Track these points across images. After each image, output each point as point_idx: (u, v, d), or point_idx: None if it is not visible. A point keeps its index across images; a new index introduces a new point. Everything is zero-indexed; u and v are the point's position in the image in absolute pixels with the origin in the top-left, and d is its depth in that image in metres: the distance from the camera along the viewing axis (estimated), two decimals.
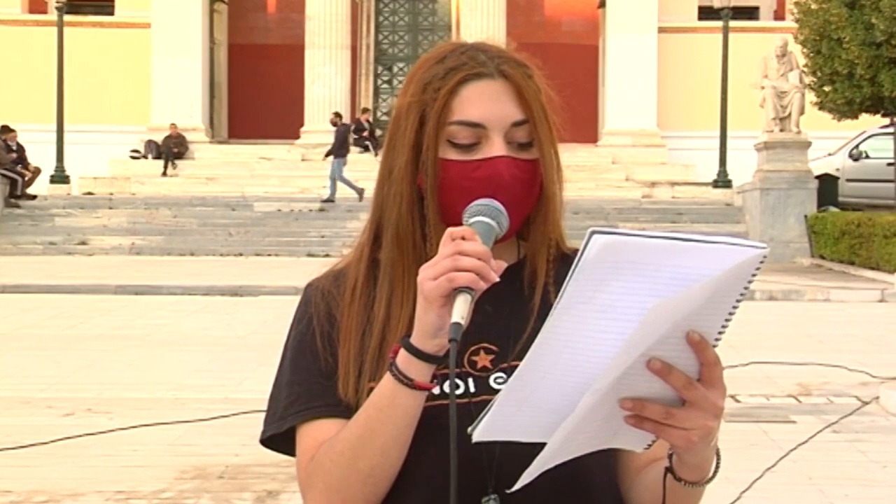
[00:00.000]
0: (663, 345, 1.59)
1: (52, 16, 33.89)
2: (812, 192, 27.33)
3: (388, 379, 1.75)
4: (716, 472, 1.78)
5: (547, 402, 1.64)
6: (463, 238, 1.69)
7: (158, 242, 28.16)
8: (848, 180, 30.22)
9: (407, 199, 1.89)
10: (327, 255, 26.08)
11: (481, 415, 1.65)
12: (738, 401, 10.28)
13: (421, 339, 1.72)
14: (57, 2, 32.72)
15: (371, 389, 1.82)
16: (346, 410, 1.85)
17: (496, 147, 1.84)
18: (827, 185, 28.16)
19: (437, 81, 1.86)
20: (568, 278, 1.56)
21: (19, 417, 9.53)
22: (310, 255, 26.93)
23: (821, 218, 26.18)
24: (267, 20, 40.29)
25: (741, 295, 1.59)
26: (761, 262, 1.57)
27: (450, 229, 1.72)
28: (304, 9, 36.34)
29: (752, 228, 27.91)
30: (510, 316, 1.88)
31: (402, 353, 1.74)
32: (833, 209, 27.39)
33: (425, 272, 1.69)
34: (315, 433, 1.87)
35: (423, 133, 1.87)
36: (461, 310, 1.65)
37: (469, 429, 1.65)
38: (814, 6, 26.06)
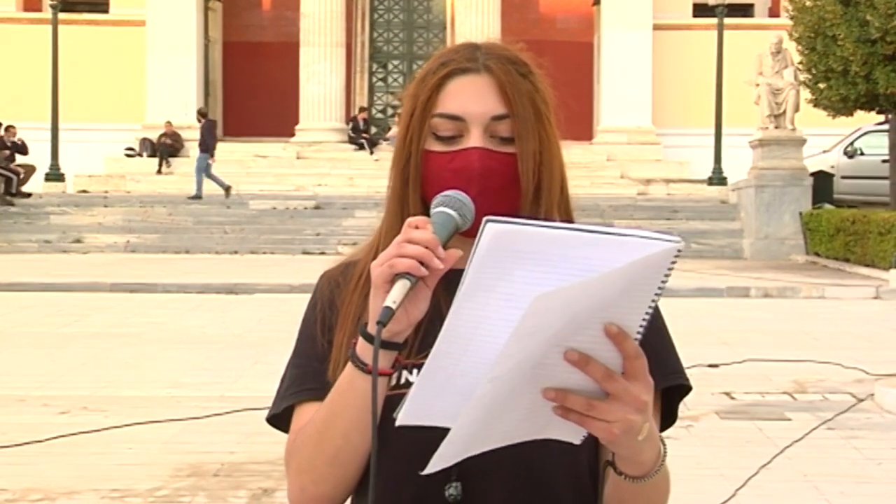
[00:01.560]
0: (581, 336, 1.59)
1: (47, 14, 33.85)
2: (807, 190, 27.34)
3: (349, 366, 1.80)
4: (660, 467, 1.77)
5: (465, 387, 1.64)
6: (417, 227, 1.73)
7: (153, 240, 28.14)
8: (843, 177, 30.25)
9: (397, 191, 1.95)
10: (322, 253, 26.09)
11: (402, 399, 1.68)
12: (733, 398, 10.29)
13: (373, 325, 1.74)
14: (51, 0, 32.69)
15: None
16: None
17: (473, 139, 1.88)
18: (822, 182, 28.17)
19: (429, 76, 1.91)
20: (466, 267, 1.59)
21: (14, 415, 9.52)
22: (305, 252, 26.94)
23: (816, 215, 26.20)
24: (262, 18, 40.26)
25: (658, 290, 1.58)
26: (676, 256, 1.55)
27: (408, 219, 1.76)
28: (298, 6, 36.31)
29: (746, 225, 27.93)
30: None
31: (360, 339, 1.78)
32: (828, 206, 27.40)
33: (376, 260, 1.74)
34: (303, 415, 1.93)
35: (411, 123, 1.92)
36: (395, 294, 1.69)
37: (393, 413, 1.69)
38: (808, 3, 26.07)
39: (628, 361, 1.62)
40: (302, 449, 1.87)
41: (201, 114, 32.59)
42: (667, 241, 1.55)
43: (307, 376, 1.95)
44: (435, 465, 1.70)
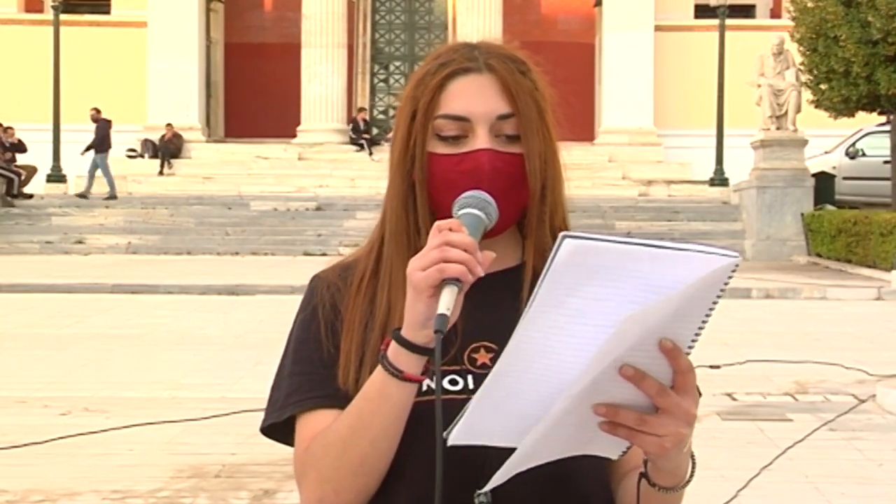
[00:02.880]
0: (636, 352, 1.59)
1: (49, 15, 33.86)
2: (808, 191, 27.34)
3: (379, 371, 1.76)
4: (691, 477, 1.78)
5: (522, 407, 1.64)
6: (450, 230, 1.70)
7: (155, 241, 28.15)
8: (844, 178, 30.24)
9: (401, 193, 1.92)
10: (324, 254, 26.07)
11: (457, 418, 1.66)
12: (734, 399, 10.29)
13: (411, 330, 1.72)
14: (53, 1, 32.69)
15: None
16: (344, 401, 1.86)
17: (480, 140, 1.86)
18: (823, 183, 28.17)
19: (429, 77, 1.89)
20: (539, 282, 1.57)
21: (15, 417, 9.52)
22: (306, 253, 26.95)
23: (817, 216, 26.19)
24: (263, 19, 40.28)
25: (713, 303, 1.59)
26: (733, 271, 1.56)
27: (438, 222, 1.73)
28: (300, 8, 36.33)
29: (748, 227, 27.92)
30: (511, 315, 1.88)
31: (393, 344, 1.75)
32: (829, 207, 27.40)
33: (414, 263, 1.70)
34: (312, 423, 1.88)
35: (414, 126, 1.90)
36: (447, 301, 1.66)
37: (444, 433, 1.66)
38: (810, 4, 26.07)
39: (680, 375, 1.62)
40: (323, 458, 1.82)
41: (97, 112, 32.17)
42: (727, 255, 1.56)
43: (314, 383, 1.91)
44: (495, 481, 1.70)
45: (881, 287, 19.76)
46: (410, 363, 1.73)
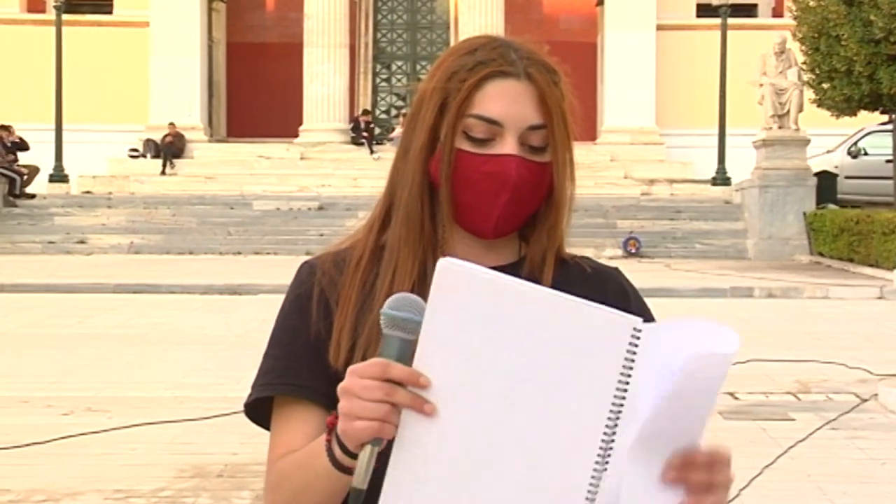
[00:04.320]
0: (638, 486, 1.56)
1: (51, 15, 33.87)
2: (811, 190, 27.34)
3: (322, 453, 1.73)
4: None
5: (442, 473, 1.58)
6: (386, 379, 1.61)
7: (157, 241, 28.16)
8: (847, 177, 30.23)
9: (419, 181, 1.91)
10: None
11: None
12: (736, 398, 10.29)
13: (349, 440, 1.66)
14: (55, 1, 32.70)
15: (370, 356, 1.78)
16: (317, 393, 1.86)
17: (508, 146, 1.85)
18: (826, 183, 28.16)
19: (464, 72, 1.87)
20: (427, 309, 1.56)
21: (18, 416, 9.53)
22: (308, 253, 26.79)
23: (819, 215, 26.19)
24: (265, 19, 40.28)
25: (620, 383, 1.54)
26: (635, 338, 1.53)
27: (356, 368, 1.64)
28: (302, 7, 36.32)
29: (750, 226, 27.92)
30: None
31: (334, 441, 1.70)
32: (832, 206, 27.39)
33: (354, 402, 1.62)
34: (284, 423, 1.89)
35: (442, 120, 1.88)
36: (366, 467, 1.60)
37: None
38: (812, 3, 26.06)
39: (706, 468, 1.71)
40: (275, 493, 1.85)
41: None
42: (624, 316, 1.53)
43: (289, 370, 1.90)
44: None
45: (883, 286, 19.75)
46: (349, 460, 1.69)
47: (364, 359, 1.79)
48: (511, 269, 1.88)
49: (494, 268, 1.83)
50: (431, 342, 1.55)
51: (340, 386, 1.63)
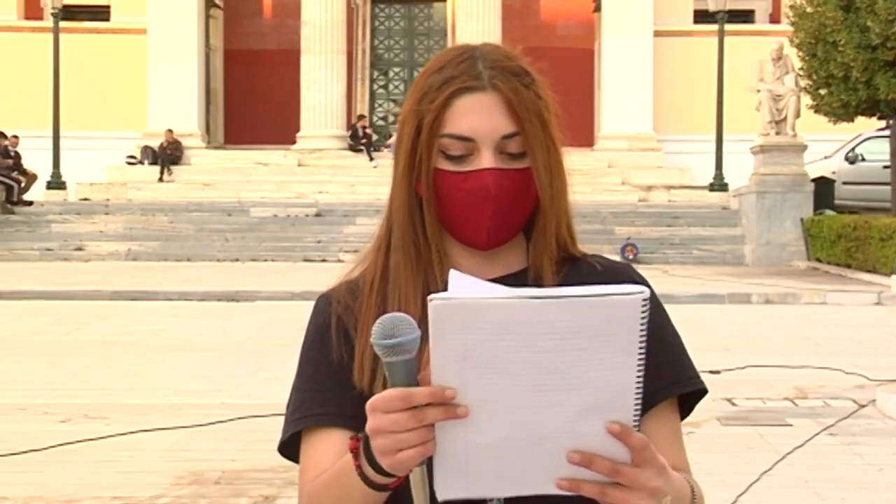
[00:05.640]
0: (585, 436, 1.60)
1: (48, 22, 33.86)
2: (808, 196, 27.35)
3: (349, 465, 1.74)
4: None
5: (491, 457, 1.63)
6: (409, 406, 1.62)
7: (155, 248, 28.16)
8: (844, 183, 30.25)
9: (407, 204, 1.94)
10: (324, 261, 26.10)
11: (434, 475, 1.66)
12: (734, 404, 10.29)
13: (383, 458, 1.67)
14: (52, 8, 32.71)
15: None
16: (347, 418, 1.88)
17: (485, 160, 1.87)
18: (823, 188, 28.18)
19: (433, 93, 1.90)
20: (430, 342, 1.58)
21: (16, 424, 9.52)
22: (306, 260, 26.95)
23: (817, 221, 26.19)
24: (262, 26, 40.29)
25: (641, 343, 1.58)
26: (644, 305, 1.56)
27: (376, 402, 1.64)
28: (299, 14, 36.34)
29: (748, 232, 27.93)
30: None
31: (361, 453, 1.71)
32: (829, 212, 27.40)
33: (390, 438, 1.64)
34: (314, 445, 1.91)
35: (419, 142, 1.90)
36: (420, 492, 1.67)
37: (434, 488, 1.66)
38: (809, 9, 26.09)
39: (636, 453, 1.62)
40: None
41: None
42: (629, 293, 1.56)
43: (315, 401, 1.92)
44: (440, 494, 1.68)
45: (881, 292, 19.76)
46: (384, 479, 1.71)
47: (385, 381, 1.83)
48: (518, 278, 1.92)
49: (501, 278, 1.85)
50: (443, 371, 1.58)
51: (369, 427, 1.64)
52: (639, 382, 1.60)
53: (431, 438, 1.62)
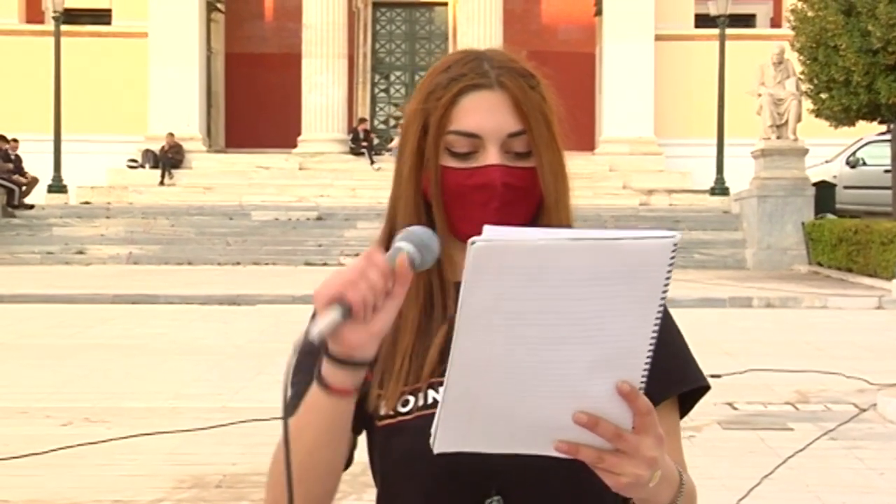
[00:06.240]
0: (591, 395, 1.59)
1: (49, 25, 33.86)
2: (809, 200, 27.35)
3: (314, 383, 1.76)
4: (678, 497, 1.78)
5: (496, 410, 1.62)
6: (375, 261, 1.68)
7: (156, 252, 28.16)
8: (845, 187, 30.26)
9: (413, 203, 1.94)
10: (325, 264, 26.11)
11: (433, 427, 1.64)
12: (735, 408, 10.29)
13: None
14: (54, 12, 32.72)
15: (402, 393, 1.87)
16: None
17: (491, 156, 1.87)
18: (824, 193, 28.18)
19: (440, 91, 1.91)
20: (461, 289, 1.56)
21: (17, 427, 9.52)
22: (307, 263, 26.95)
23: (818, 225, 26.20)
24: (264, 29, 40.30)
25: (664, 291, 1.57)
26: (674, 251, 1.55)
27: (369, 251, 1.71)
28: (301, 18, 36.35)
29: (749, 236, 27.93)
30: None
31: (324, 358, 1.74)
32: (830, 216, 27.41)
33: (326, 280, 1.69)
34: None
35: (426, 140, 1.91)
36: (327, 322, 1.64)
37: (430, 440, 1.65)
38: (810, 14, 26.10)
39: (639, 417, 1.62)
40: (274, 463, 1.84)
41: None
42: (661, 237, 1.55)
43: (303, 392, 1.92)
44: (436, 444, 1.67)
45: (882, 296, 19.76)
46: (338, 377, 1.72)
47: (382, 378, 1.88)
48: None
49: None
50: (469, 325, 1.58)
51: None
52: (652, 339, 1.59)
53: (359, 289, 1.64)
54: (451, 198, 1.90)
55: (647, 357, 1.60)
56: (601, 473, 1.65)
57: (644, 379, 1.61)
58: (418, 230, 1.74)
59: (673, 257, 1.56)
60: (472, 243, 1.54)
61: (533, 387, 1.60)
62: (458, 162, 1.89)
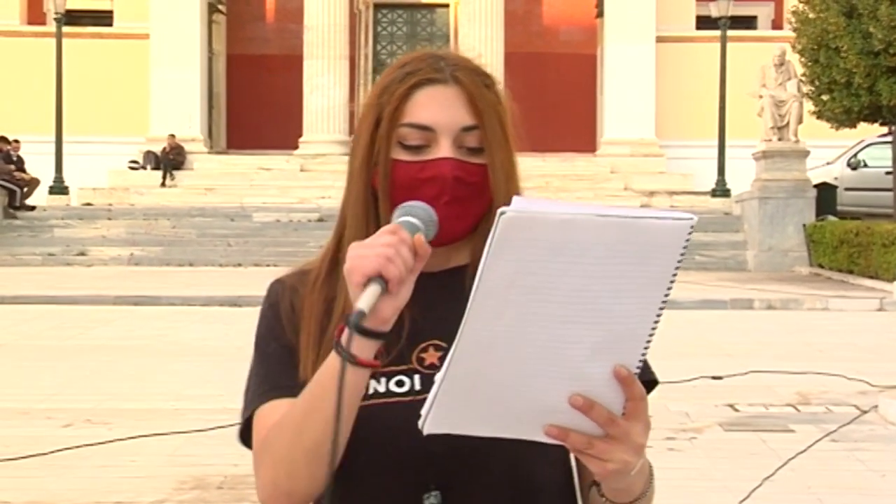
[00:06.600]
0: (589, 378, 1.60)
1: (51, 27, 33.88)
2: (810, 201, 27.35)
3: (332, 355, 1.74)
4: (647, 494, 1.78)
5: (493, 392, 1.62)
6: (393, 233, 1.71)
7: (157, 253, 28.16)
8: (846, 189, 30.25)
9: (362, 199, 1.95)
10: None
11: (425, 406, 1.64)
12: (737, 410, 10.28)
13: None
14: (55, 13, 32.73)
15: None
16: (298, 391, 1.86)
17: (443, 149, 1.88)
18: (825, 194, 28.18)
19: (395, 85, 1.92)
20: (482, 261, 1.56)
21: (18, 428, 9.53)
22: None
23: (819, 227, 26.20)
24: (265, 30, 40.31)
25: (675, 271, 1.58)
26: (689, 233, 1.56)
27: (382, 228, 1.74)
28: (302, 19, 36.36)
29: (750, 237, 27.93)
30: (459, 313, 1.87)
31: (345, 329, 1.71)
32: (831, 218, 27.41)
33: (357, 249, 1.70)
34: (269, 413, 1.93)
35: (378, 134, 1.91)
36: (369, 298, 1.65)
37: (419, 422, 1.65)
38: (812, 15, 26.10)
39: (632, 402, 1.63)
40: (279, 440, 1.84)
41: None
42: (680, 219, 1.56)
43: (271, 378, 1.95)
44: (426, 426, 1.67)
45: (883, 298, 19.76)
46: (362, 348, 1.70)
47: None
48: (466, 271, 1.89)
49: (443, 272, 1.89)
50: (485, 299, 1.58)
51: (347, 255, 1.71)
52: (655, 323, 1.59)
53: (397, 266, 1.66)
54: (401, 192, 1.88)
55: (647, 343, 1.61)
56: (587, 460, 1.66)
57: (640, 364, 1.62)
58: (420, 206, 1.77)
59: (688, 239, 1.57)
60: (502, 213, 1.54)
61: (533, 366, 1.60)
62: (410, 155, 1.89)
